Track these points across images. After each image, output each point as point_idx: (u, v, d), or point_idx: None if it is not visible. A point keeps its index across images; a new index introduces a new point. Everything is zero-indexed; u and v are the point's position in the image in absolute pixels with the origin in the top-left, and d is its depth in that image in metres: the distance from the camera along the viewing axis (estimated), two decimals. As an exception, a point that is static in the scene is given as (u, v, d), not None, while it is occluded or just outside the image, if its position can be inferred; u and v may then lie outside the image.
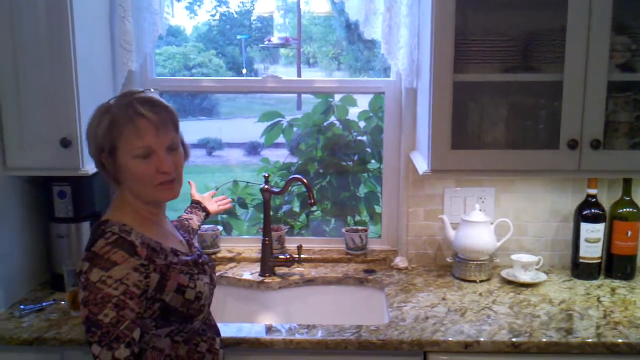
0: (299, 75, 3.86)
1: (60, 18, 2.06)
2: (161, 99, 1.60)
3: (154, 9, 2.43)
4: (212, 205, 2.43)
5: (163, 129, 1.56)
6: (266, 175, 2.54)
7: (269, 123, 3.02)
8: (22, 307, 2.19)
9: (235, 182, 3.14)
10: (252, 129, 3.29)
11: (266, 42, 2.83)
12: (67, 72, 2.09)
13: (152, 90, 1.65)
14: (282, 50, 5.24)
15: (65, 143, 2.11)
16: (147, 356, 1.55)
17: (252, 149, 6.19)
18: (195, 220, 2.30)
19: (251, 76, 6.17)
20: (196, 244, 1.81)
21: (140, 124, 1.52)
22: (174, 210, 2.60)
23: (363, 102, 2.98)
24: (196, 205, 2.38)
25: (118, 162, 1.56)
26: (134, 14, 2.42)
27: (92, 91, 2.24)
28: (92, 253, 1.48)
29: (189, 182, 2.46)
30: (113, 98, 1.60)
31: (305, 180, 2.42)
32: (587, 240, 2.42)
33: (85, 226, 2.37)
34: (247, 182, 3.15)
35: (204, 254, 1.79)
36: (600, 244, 2.43)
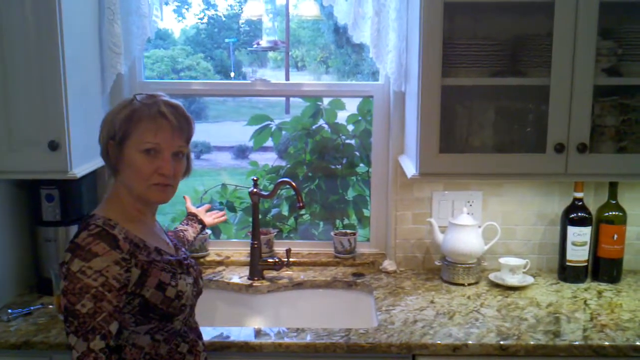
0: (287, 78, 3.86)
1: (49, 20, 2.04)
2: (185, 109, 1.64)
3: (143, 12, 2.43)
4: (208, 218, 2.46)
5: (177, 135, 1.61)
6: (255, 178, 2.54)
7: (257, 126, 3.02)
8: (9, 311, 2.18)
9: (224, 186, 3.14)
10: (241, 132, 3.28)
11: (255, 46, 2.82)
12: (55, 74, 2.07)
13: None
14: (270, 54, 5.25)
15: (54, 146, 2.10)
16: (127, 352, 1.56)
17: (241, 152, 6.19)
18: (190, 232, 2.33)
19: (239, 80, 6.17)
20: (183, 249, 1.81)
21: (160, 122, 1.58)
22: (162, 214, 2.59)
23: (352, 105, 2.99)
24: (192, 217, 2.39)
25: (124, 152, 1.59)
26: (123, 17, 2.41)
27: (81, 94, 2.23)
28: (74, 244, 1.49)
29: (184, 197, 2.48)
30: (140, 94, 1.64)
31: (294, 184, 2.43)
32: (573, 244, 2.44)
33: (73, 230, 2.35)
34: (236, 186, 3.15)
35: (190, 258, 1.79)
36: (587, 247, 2.45)
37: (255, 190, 2.52)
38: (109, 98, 2.52)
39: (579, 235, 2.43)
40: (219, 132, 6.77)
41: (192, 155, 1.76)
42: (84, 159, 2.21)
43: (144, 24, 2.44)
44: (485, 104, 2.34)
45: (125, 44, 2.44)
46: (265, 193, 2.54)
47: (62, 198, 2.32)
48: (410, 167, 2.29)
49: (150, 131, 1.57)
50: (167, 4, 2.48)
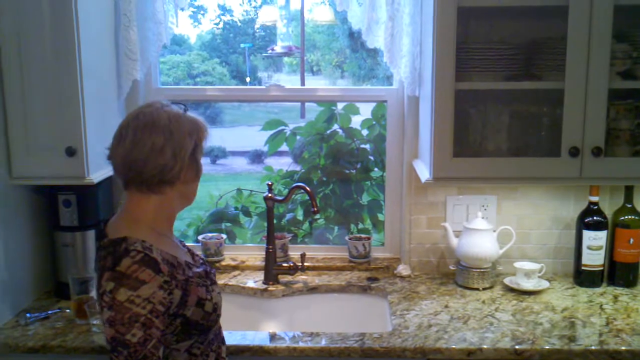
0: (302, 83, 3.88)
1: (65, 27, 2.08)
2: None
3: (159, 19, 2.45)
4: None
5: None
6: (270, 183, 2.55)
7: (272, 132, 3.03)
8: (27, 315, 2.20)
9: (239, 191, 3.16)
10: (256, 137, 3.31)
11: (269, 51, 2.84)
12: (72, 81, 2.11)
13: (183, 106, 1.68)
14: (285, 59, 5.27)
15: (71, 152, 2.13)
16: None
17: (256, 157, 6.21)
18: None
19: (255, 84, 6.20)
20: (197, 253, 1.82)
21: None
22: (179, 219, 2.61)
23: (366, 110, 3.00)
24: None
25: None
26: (139, 23, 2.43)
27: (97, 100, 2.26)
28: (118, 272, 1.44)
29: None
30: (179, 105, 1.64)
31: (308, 189, 2.44)
32: (589, 248, 2.43)
33: (90, 235, 2.38)
34: (251, 191, 3.17)
35: (207, 263, 1.80)
36: (602, 251, 2.43)
37: (270, 195, 2.53)
38: (125, 104, 2.54)
39: (595, 239, 2.42)
40: (235, 137, 6.79)
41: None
42: (100, 165, 2.23)
43: (159, 30, 2.47)
44: (500, 107, 2.33)
45: (141, 50, 2.46)
46: (280, 198, 2.55)
47: (79, 203, 2.35)
48: (424, 172, 2.29)
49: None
50: (183, 9, 2.49)
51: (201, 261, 1.76)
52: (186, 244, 1.81)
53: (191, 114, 1.63)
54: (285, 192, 2.89)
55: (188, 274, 1.58)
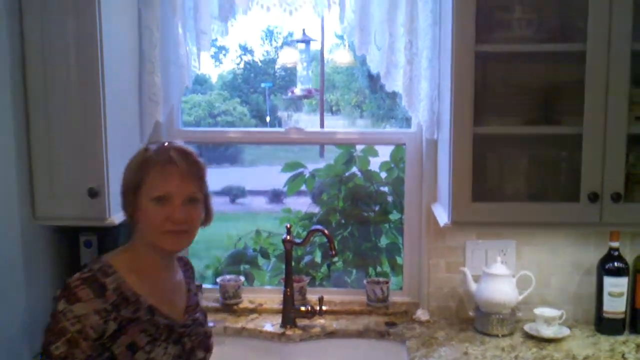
0: (321, 124, 3.92)
1: (91, 71, 2.12)
2: (197, 155, 1.67)
3: (181, 63, 2.49)
4: None
5: (187, 179, 1.61)
6: (288, 226, 2.56)
7: (291, 173, 3.06)
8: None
9: (258, 232, 3.17)
10: (276, 176, 3.33)
11: (289, 94, 2.88)
12: (96, 124, 2.14)
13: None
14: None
15: (93, 193, 2.15)
16: None
17: (275, 196, 6.23)
18: None
19: (275, 124, 6.26)
20: (199, 314, 1.79)
21: (168, 168, 1.59)
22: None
23: (385, 151, 3.01)
24: None
25: (138, 202, 1.61)
26: (162, 67, 2.47)
27: (120, 142, 2.29)
28: (66, 284, 1.51)
29: None
30: (153, 143, 1.68)
31: (326, 232, 2.44)
32: (610, 294, 2.39)
33: (110, 275, 2.39)
34: (269, 232, 3.18)
35: (198, 326, 1.75)
36: (624, 298, 2.39)
37: (288, 237, 2.54)
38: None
39: (616, 286, 2.38)
40: (254, 176, 6.84)
41: (212, 201, 1.76)
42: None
43: (182, 73, 2.51)
44: (518, 151, 2.33)
45: (164, 93, 2.50)
46: (298, 240, 2.56)
47: (100, 244, 2.37)
48: (442, 216, 2.28)
49: (160, 178, 1.59)
50: (205, 50, 2.53)
51: (190, 322, 1.72)
52: (204, 285, 1.81)
53: (168, 146, 1.64)
54: (304, 234, 2.89)
55: (140, 315, 1.57)
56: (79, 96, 2.15)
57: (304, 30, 2.82)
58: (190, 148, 1.68)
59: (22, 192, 2.15)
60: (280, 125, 5.12)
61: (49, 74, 2.14)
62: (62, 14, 2.12)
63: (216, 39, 2.56)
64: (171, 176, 1.59)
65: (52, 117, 2.16)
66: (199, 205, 1.67)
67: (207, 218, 1.74)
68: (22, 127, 2.15)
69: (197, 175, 1.65)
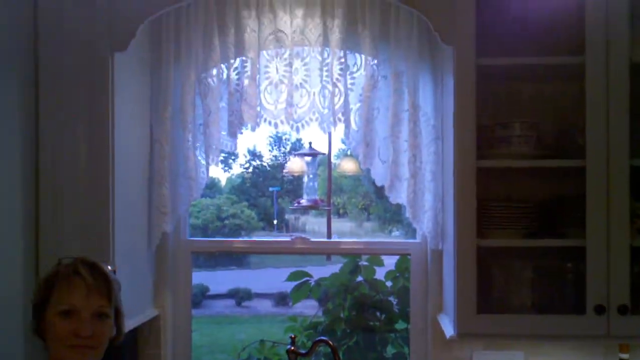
0: (328, 230, 3.94)
1: (101, 185, 2.19)
2: (107, 269, 1.66)
3: (190, 175, 2.54)
4: None
5: (94, 293, 1.60)
6: (292, 336, 2.54)
7: (297, 282, 3.06)
8: None
9: (262, 342, 3.14)
10: (282, 279, 3.33)
11: (296, 205, 2.93)
12: (105, 240, 2.19)
13: (110, 268, 1.70)
14: (313, 202, 5.37)
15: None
16: None
17: (281, 299, 6.18)
18: None
19: (282, 227, 6.27)
20: None
21: (74, 281, 1.59)
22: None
23: (390, 260, 3.03)
24: None
25: (45, 318, 1.59)
26: (171, 179, 2.53)
27: (128, 252, 2.32)
28: None
29: None
30: (65, 258, 1.66)
31: (331, 343, 2.42)
32: (623, 410, 2.34)
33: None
34: (274, 342, 3.15)
35: None
36: (637, 413, 2.34)
37: (292, 348, 2.51)
38: (155, 255, 2.61)
39: (628, 400, 2.33)
40: (260, 279, 6.81)
41: (124, 319, 1.74)
42: (128, 316, 2.25)
43: (190, 185, 2.55)
44: (523, 263, 2.33)
45: (172, 204, 2.55)
46: (303, 351, 2.53)
47: (105, 355, 2.34)
48: (448, 327, 2.27)
49: (66, 291, 1.58)
50: (216, 164, 2.58)
51: None
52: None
53: (77, 260, 1.63)
54: (309, 344, 2.86)
55: None
56: (88, 208, 2.20)
57: (310, 143, 2.89)
58: (102, 263, 1.67)
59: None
60: (287, 228, 5.11)
61: (58, 180, 2.21)
62: (77, 121, 2.21)
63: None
64: (77, 289, 1.58)
65: (60, 226, 2.20)
66: (108, 321, 1.65)
67: (118, 335, 1.72)
68: (31, 239, 2.19)
69: (106, 288, 1.63)
